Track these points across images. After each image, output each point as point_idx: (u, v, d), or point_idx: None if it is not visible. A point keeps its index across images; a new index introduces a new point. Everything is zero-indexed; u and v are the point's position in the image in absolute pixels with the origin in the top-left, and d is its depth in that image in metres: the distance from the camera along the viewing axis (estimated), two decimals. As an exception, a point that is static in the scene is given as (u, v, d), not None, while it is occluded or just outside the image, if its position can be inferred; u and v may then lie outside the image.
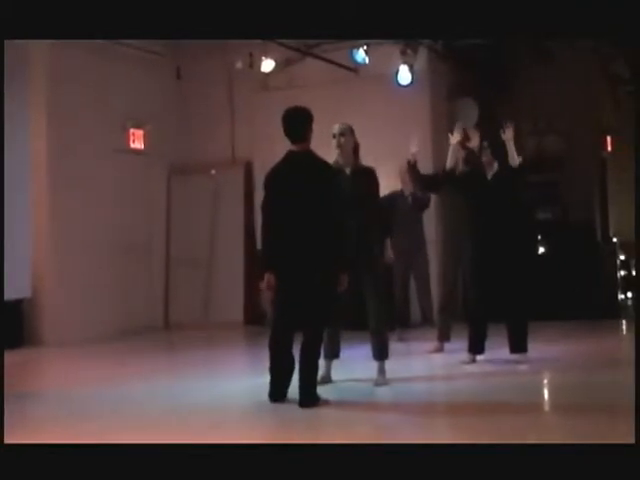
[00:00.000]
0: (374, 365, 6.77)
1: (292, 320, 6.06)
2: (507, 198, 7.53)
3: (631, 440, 3.87)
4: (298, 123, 6.14)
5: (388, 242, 6.84)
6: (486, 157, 7.61)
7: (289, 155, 6.15)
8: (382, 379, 6.73)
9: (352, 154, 6.78)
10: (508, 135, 7.41)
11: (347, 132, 6.76)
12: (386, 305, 6.80)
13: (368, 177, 6.76)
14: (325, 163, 6.18)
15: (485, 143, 7.61)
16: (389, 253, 6.84)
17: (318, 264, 5.95)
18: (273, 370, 6.10)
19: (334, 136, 6.74)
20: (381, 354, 6.75)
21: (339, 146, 6.72)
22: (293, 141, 6.15)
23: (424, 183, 8.41)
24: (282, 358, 6.06)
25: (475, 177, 7.68)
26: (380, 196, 6.98)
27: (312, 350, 5.98)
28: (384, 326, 6.76)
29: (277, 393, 6.07)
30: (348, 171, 6.75)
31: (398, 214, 9.49)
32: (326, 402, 6.00)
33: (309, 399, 5.92)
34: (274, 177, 6.14)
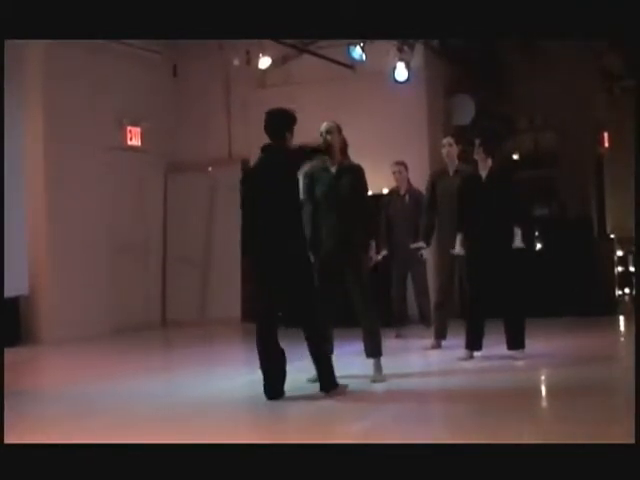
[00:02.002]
0: (370, 361, 6.78)
1: (272, 315, 6.16)
2: (503, 195, 7.52)
3: (631, 440, 3.87)
4: (278, 123, 6.23)
5: (373, 242, 6.82)
6: (479, 155, 7.61)
7: (264, 150, 6.26)
8: (378, 376, 6.74)
9: (339, 152, 6.79)
10: (518, 245, 7.46)
11: (334, 130, 6.75)
12: (374, 302, 6.77)
13: (354, 175, 6.76)
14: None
15: (477, 141, 7.60)
16: (373, 253, 6.81)
17: (288, 259, 6.04)
18: (264, 368, 6.11)
19: (321, 134, 6.75)
20: (373, 352, 6.77)
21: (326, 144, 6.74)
22: (271, 139, 6.24)
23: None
24: (270, 353, 6.09)
25: (471, 182, 7.68)
26: (368, 193, 6.95)
27: (314, 342, 6.08)
28: (376, 324, 6.76)
29: (272, 391, 6.08)
30: (334, 169, 6.75)
31: (395, 213, 9.51)
32: (345, 387, 6.18)
33: (329, 385, 6.09)
34: (248, 173, 6.37)
